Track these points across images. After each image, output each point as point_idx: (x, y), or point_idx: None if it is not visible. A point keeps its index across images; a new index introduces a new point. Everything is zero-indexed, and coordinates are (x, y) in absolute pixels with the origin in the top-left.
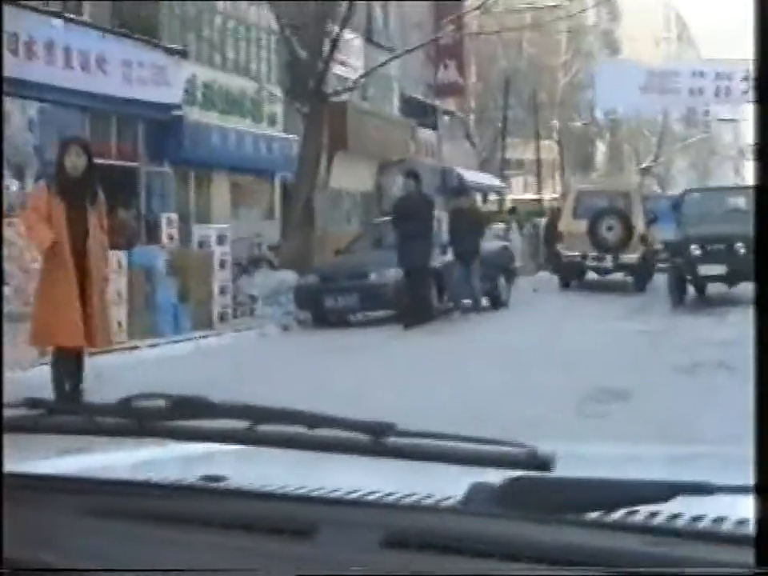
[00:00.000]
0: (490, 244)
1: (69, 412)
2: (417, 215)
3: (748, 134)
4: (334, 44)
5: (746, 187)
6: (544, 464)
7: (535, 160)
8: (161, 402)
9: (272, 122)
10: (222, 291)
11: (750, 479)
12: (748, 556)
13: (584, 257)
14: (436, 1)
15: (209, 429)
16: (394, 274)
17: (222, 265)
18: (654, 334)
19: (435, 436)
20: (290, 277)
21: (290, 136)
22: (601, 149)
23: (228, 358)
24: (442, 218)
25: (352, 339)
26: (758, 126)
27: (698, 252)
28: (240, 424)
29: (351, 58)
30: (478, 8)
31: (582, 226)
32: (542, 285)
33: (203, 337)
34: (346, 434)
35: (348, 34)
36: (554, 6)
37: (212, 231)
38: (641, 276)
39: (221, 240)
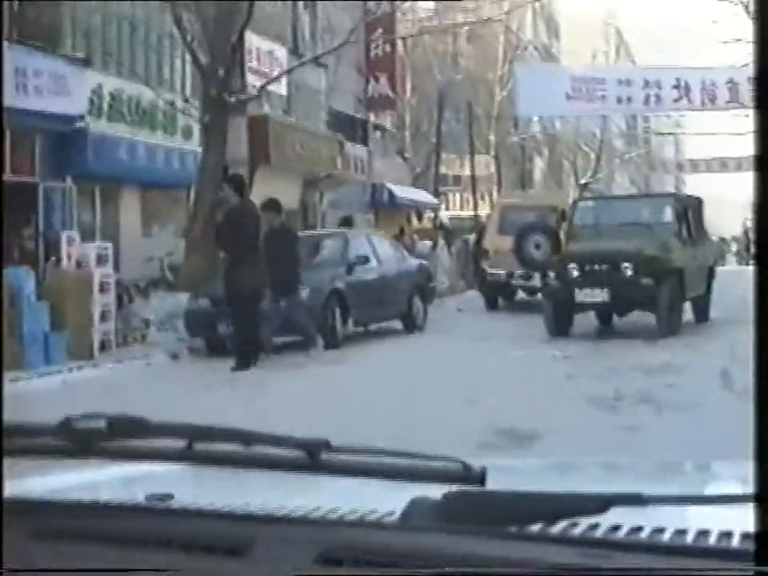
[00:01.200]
0: (404, 263)
1: (7, 434)
2: (246, 237)
3: (688, 148)
4: (234, 49)
5: (646, 195)
6: (477, 478)
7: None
8: (100, 423)
9: (186, 135)
10: (104, 317)
11: (685, 488)
12: (688, 563)
13: (510, 275)
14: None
15: (148, 448)
16: (302, 294)
17: (103, 288)
18: (576, 360)
19: (370, 452)
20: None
21: None
22: (539, 164)
23: (96, 393)
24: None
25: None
26: (759, 128)
27: (575, 273)
28: (178, 443)
29: (275, 70)
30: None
31: (508, 242)
32: (469, 305)
33: (77, 369)
34: (281, 451)
35: (270, 45)
36: (491, 20)
37: (91, 249)
38: None
39: (101, 259)
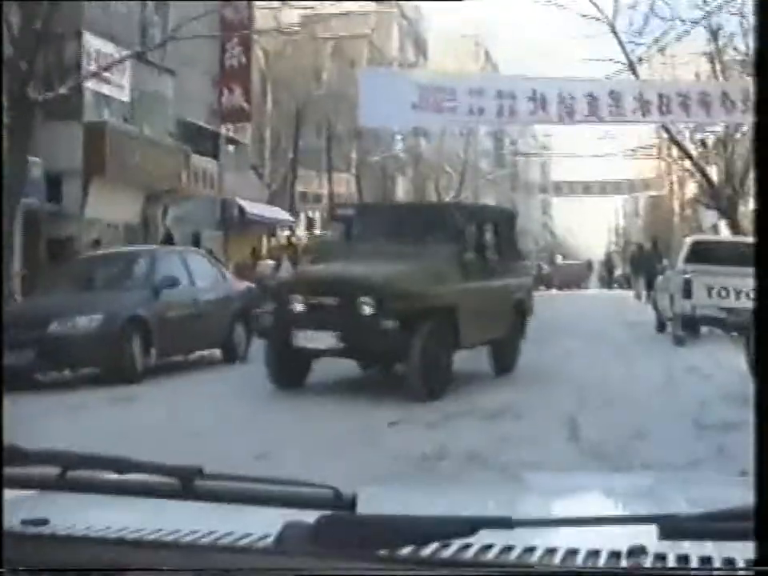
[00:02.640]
0: (226, 285)
1: None
2: None
3: (556, 170)
4: (38, 42)
5: (427, 204)
6: (348, 503)
7: (329, 194)
8: None
9: None
10: None
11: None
12: None
13: None
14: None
15: (23, 475)
16: (86, 322)
17: None
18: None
19: (242, 479)
20: None
21: (32, 158)
22: (402, 184)
23: None
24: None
25: (34, 405)
26: (758, 130)
27: (299, 307)
28: (52, 470)
29: (116, 75)
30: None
31: None
32: None
33: None
34: (155, 478)
35: (111, 47)
36: (355, 36)
37: None
38: None
39: None
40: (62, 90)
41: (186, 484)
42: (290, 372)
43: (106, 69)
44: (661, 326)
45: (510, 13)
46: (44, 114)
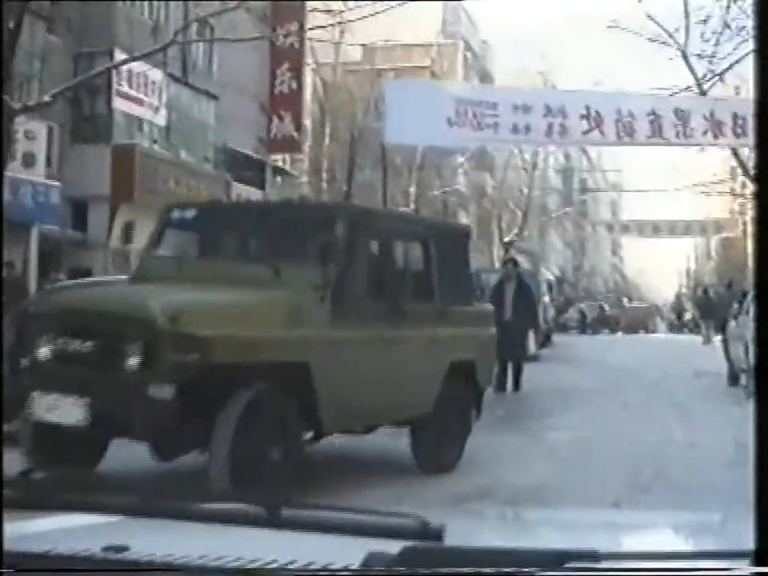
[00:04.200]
0: None
1: None
2: None
3: (626, 208)
4: (14, 40)
5: (302, 204)
6: (435, 534)
7: None
8: (58, 475)
9: (28, 163)
10: None
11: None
12: None
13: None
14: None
15: (104, 501)
16: None
17: None
18: None
19: (329, 508)
20: None
21: (52, 182)
22: (463, 221)
23: None
24: None
25: None
26: (759, 133)
27: (44, 354)
28: (134, 496)
29: (147, 96)
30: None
31: None
32: None
33: None
34: (243, 507)
35: (143, 66)
36: (418, 68)
37: None
38: None
39: None
40: (47, 98)
41: (273, 513)
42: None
43: (138, 89)
44: (733, 379)
45: (575, 41)
46: (71, 137)
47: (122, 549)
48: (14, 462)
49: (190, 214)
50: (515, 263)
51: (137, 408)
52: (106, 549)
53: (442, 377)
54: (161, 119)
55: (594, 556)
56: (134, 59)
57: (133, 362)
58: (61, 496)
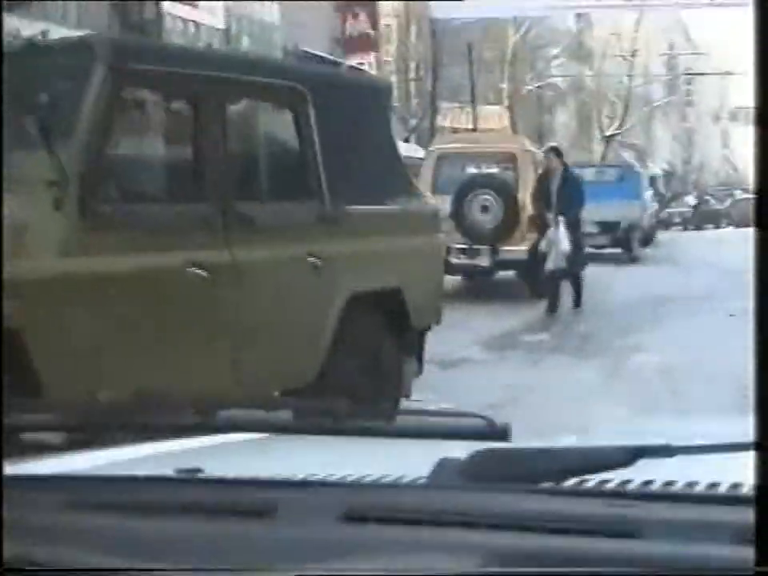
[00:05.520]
0: None
1: (31, 409)
2: None
3: (736, 95)
4: None
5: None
6: (501, 434)
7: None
8: (125, 398)
9: None
10: None
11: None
12: (720, 514)
13: (448, 251)
14: None
15: (172, 422)
16: None
17: None
18: None
19: (390, 413)
20: None
21: None
22: (561, 116)
23: None
24: None
25: None
26: (758, 121)
27: None
28: (200, 416)
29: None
30: None
31: (445, 204)
32: None
33: None
34: (302, 417)
35: None
36: None
37: None
38: (534, 277)
39: None
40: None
41: (336, 420)
42: None
43: None
44: None
45: None
46: None
47: (195, 471)
48: None
49: None
50: (558, 152)
51: None
52: (179, 471)
53: (334, 321)
54: (218, 22)
55: (668, 449)
56: None
57: None
58: (128, 419)
